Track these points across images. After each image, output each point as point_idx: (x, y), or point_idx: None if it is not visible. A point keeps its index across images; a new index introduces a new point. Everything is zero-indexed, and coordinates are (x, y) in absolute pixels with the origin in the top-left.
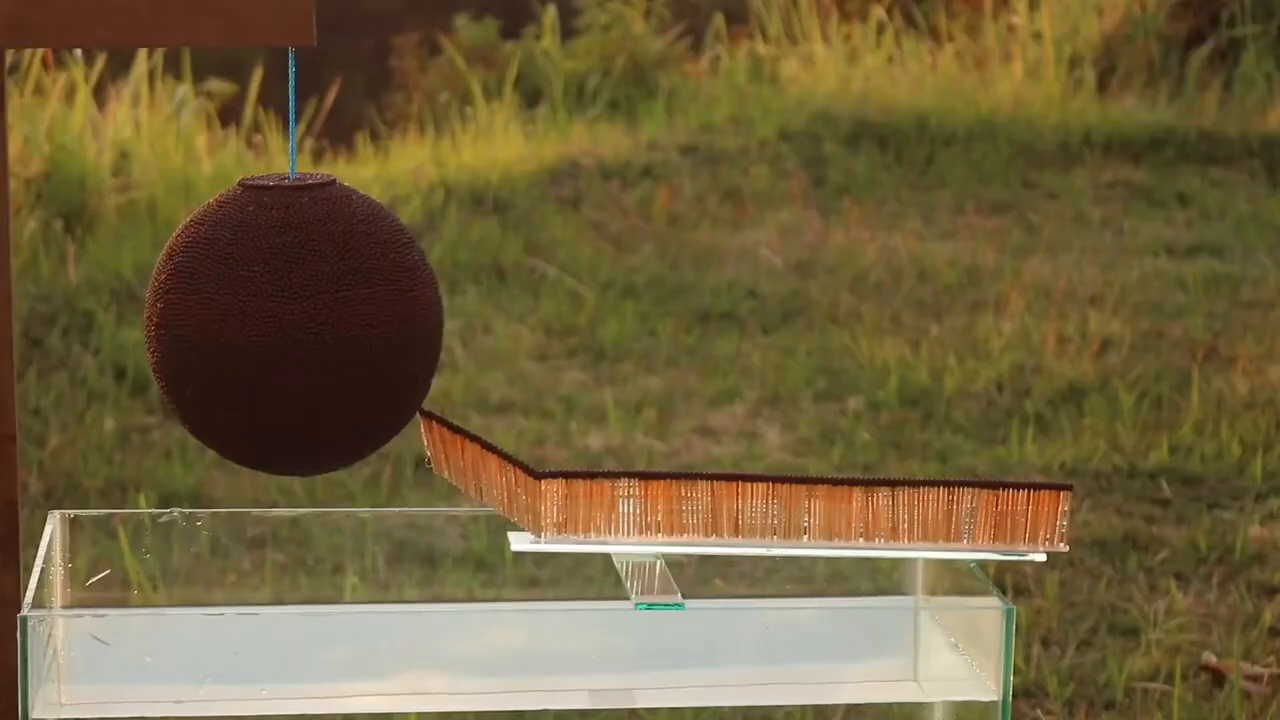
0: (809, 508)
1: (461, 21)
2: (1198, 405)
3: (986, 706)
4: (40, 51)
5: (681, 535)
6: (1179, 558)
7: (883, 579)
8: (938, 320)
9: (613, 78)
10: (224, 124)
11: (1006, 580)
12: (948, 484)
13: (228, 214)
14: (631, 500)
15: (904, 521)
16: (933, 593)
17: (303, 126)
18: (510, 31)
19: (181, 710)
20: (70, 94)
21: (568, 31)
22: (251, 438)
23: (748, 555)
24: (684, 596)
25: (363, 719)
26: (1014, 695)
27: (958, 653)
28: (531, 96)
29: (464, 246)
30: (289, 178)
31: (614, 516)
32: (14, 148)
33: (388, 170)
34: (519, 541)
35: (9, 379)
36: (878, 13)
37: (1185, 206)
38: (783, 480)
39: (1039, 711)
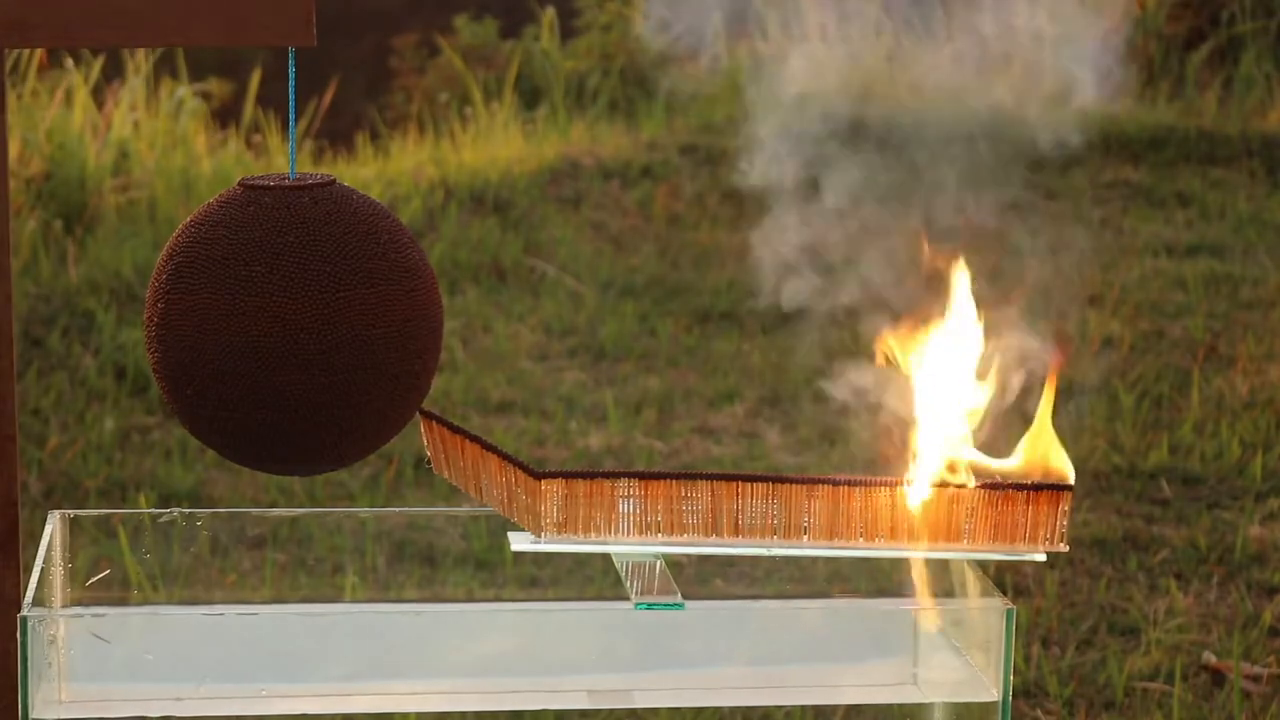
0: (809, 508)
1: (461, 22)
2: (1198, 405)
3: (986, 707)
4: (38, 52)
5: (681, 535)
6: (1179, 558)
7: (883, 579)
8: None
9: (613, 78)
10: (224, 124)
11: (1006, 580)
12: (947, 484)
13: (228, 214)
14: (631, 500)
15: (904, 521)
16: (933, 593)
17: (302, 126)
18: (510, 31)
19: (181, 710)
20: (69, 94)
21: (567, 31)
22: (251, 438)
23: (748, 555)
24: (684, 596)
25: (362, 719)
26: (1014, 695)
27: (958, 653)
28: (531, 96)
29: (464, 246)
30: (289, 178)
31: (614, 516)
32: (14, 148)
33: (388, 170)
34: (519, 541)
35: (9, 379)
36: (877, 13)
37: (1185, 206)
38: (783, 480)
39: (1039, 711)
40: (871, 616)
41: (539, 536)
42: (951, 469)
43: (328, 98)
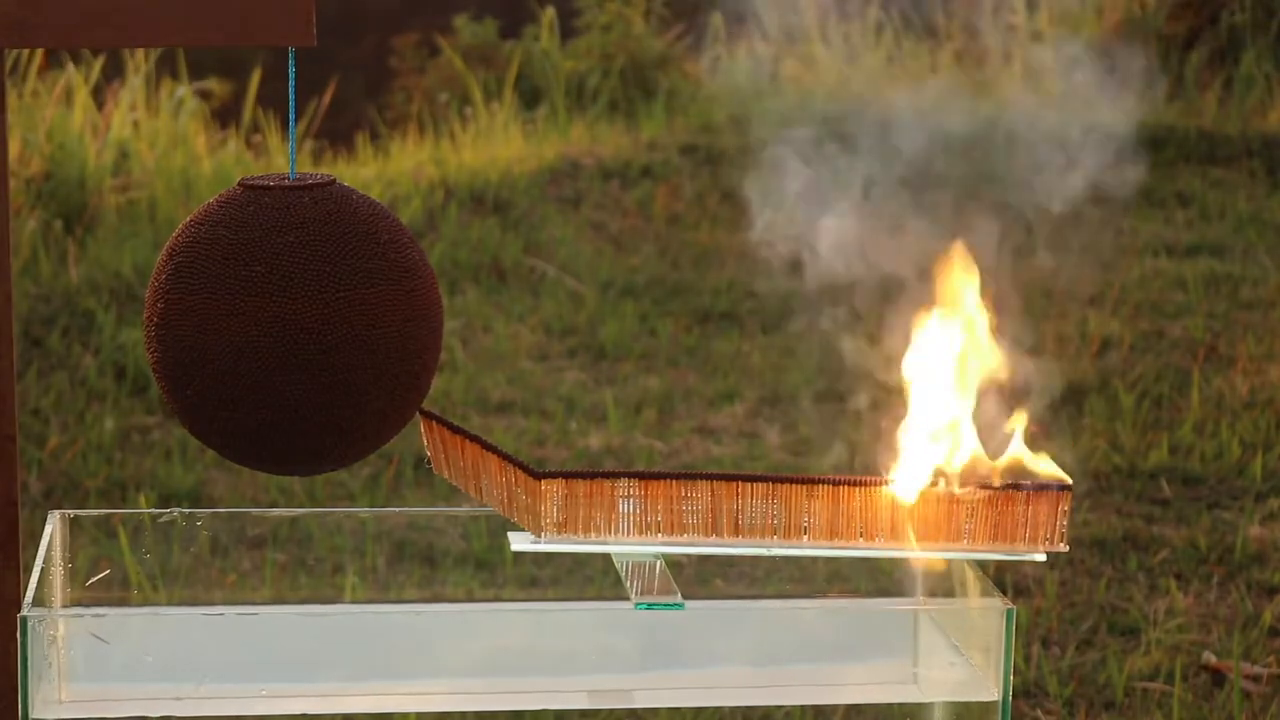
0: (809, 508)
1: (461, 22)
2: (1198, 405)
3: (986, 707)
4: (38, 52)
5: (681, 535)
6: (1179, 558)
7: (883, 579)
8: None
9: (613, 78)
10: (224, 124)
11: (1006, 580)
12: (948, 484)
13: (228, 214)
14: (631, 500)
15: (904, 522)
16: (933, 593)
17: (302, 126)
18: (510, 31)
19: (181, 710)
20: (69, 94)
21: (568, 31)
22: (251, 438)
23: (748, 555)
24: (684, 596)
25: (362, 719)
26: (1014, 695)
27: (958, 653)
28: (531, 96)
29: (464, 246)
30: (289, 178)
31: (614, 516)
32: (14, 148)
33: (388, 170)
34: (519, 541)
35: (9, 379)
36: (876, 12)
37: (1185, 206)
38: (783, 480)
39: (1039, 711)
40: (871, 616)
41: (539, 536)
42: (952, 471)
43: (328, 98)
